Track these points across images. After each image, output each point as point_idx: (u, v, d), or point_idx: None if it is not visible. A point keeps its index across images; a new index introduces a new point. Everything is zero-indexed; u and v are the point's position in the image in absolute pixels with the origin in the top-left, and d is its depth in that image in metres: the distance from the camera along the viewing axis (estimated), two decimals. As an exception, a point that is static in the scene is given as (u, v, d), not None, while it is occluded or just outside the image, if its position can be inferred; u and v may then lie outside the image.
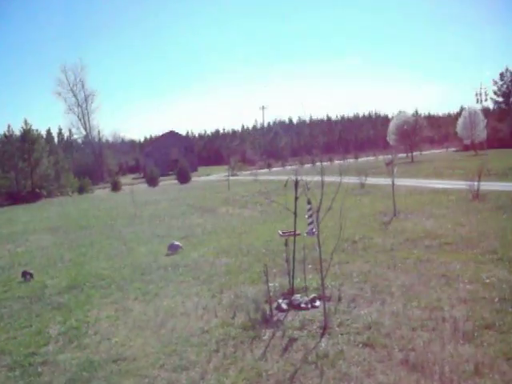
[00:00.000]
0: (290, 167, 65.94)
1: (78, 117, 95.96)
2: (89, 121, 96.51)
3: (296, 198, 8.24)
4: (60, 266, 13.57)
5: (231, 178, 41.63)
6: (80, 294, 10.46)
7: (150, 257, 13.46)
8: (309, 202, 8.09)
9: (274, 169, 71.86)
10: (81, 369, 6.53)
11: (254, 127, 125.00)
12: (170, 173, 74.52)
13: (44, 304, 9.96)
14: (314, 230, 8.02)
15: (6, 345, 7.83)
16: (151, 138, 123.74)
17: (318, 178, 7.67)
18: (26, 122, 61.38)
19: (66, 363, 6.78)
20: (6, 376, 6.62)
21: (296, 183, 8.22)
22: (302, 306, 7.98)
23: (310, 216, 8.15)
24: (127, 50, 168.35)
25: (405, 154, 64.62)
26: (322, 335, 6.80)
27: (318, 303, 8.00)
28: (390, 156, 25.80)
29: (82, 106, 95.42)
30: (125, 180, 74.38)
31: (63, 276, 12.24)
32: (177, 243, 14.02)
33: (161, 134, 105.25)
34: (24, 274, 12.28)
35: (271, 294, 8.24)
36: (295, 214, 8.36)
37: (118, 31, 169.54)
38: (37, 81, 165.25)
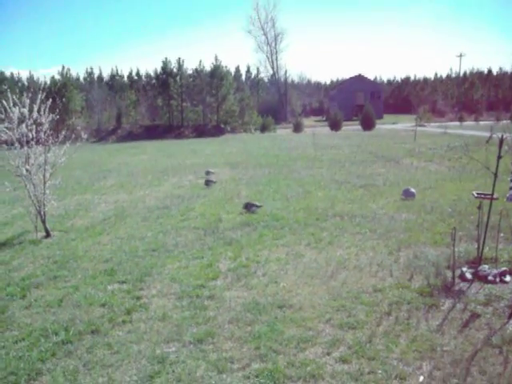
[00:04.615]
0: (483, 122, 60.89)
1: (267, 55, 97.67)
2: (276, 60, 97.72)
3: (499, 157, 7.23)
4: (236, 202, 13.93)
5: (418, 128, 39.44)
6: (253, 232, 10.57)
7: (328, 202, 13.19)
8: (515, 164, 7.12)
9: (466, 123, 66.84)
10: (245, 309, 6.50)
11: (448, 76, 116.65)
12: (354, 118, 73.33)
13: (217, 238, 10.24)
14: (517, 196, 7.12)
15: (177, 273, 8.16)
16: (337, 80, 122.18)
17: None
18: (216, 58, 64.89)
19: (232, 301, 6.82)
20: (174, 304, 6.85)
21: (501, 140, 7.18)
22: (490, 278, 7.14)
23: (514, 179, 7.24)
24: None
25: None
26: (511, 316, 5.98)
27: (508, 278, 7.14)
28: None
29: (271, 45, 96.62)
30: (307, 122, 74.97)
31: (238, 212, 12.53)
32: (412, 190, 13.41)
33: (348, 77, 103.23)
34: (249, 205, 12.45)
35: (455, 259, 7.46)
36: (496, 174, 7.37)
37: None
38: (229, 18, 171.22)
